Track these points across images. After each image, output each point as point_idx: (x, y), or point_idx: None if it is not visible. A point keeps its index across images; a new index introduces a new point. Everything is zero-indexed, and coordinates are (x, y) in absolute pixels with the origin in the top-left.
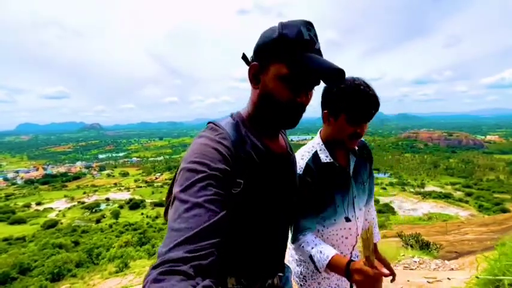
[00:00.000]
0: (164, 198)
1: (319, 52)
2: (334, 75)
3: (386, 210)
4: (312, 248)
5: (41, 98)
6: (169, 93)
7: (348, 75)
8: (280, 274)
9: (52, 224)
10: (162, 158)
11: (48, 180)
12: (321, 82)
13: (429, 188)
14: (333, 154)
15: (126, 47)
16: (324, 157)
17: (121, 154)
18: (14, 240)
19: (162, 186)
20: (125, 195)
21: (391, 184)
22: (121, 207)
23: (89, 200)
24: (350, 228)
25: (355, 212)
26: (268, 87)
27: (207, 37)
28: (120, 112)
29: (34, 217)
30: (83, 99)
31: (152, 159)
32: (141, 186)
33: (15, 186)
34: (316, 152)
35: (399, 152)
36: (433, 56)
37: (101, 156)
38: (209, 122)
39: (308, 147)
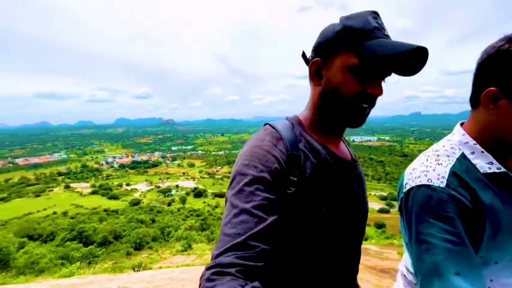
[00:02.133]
0: (224, 190)
1: (389, 38)
2: (413, 56)
3: None
4: None
5: (132, 98)
6: (231, 91)
7: (422, 71)
8: None
9: (136, 202)
10: (222, 152)
11: (134, 166)
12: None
13: None
14: (502, 159)
15: (196, 50)
16: (484, 164)
17: (189, 147)
18: (110, 212)
19: (222, 179)
20: (191, 184)
21: None
22: (187, 194)
23: (163, 185)
24: None
25: None
26: (334, 81)
27: (267, 36)
28: (189, 109)
29: (124, 195)
30: (162, 98)
31: (214, 153)
32: (204, 177)
33: (113, 168)
34: (463, 154)
35: None
36: None
37: (173, 148)
38: (265, 124)
39: (440, 148)
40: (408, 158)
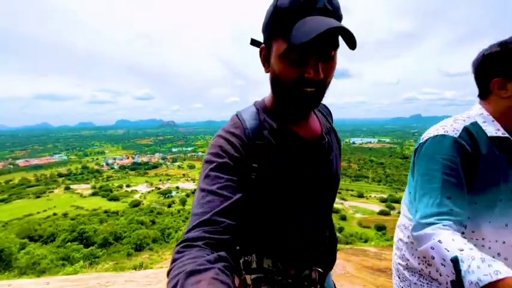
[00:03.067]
0: None
1: (325, 11)
2: (333, 34)
3: None
4: (462, 250)
5: (134, 99)
6: (232, 93)
7: (421, 73)
8: (319, 269)
9: (136, 204)
10: None
11: (135, 167)
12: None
13: None
14: (509, 130)
15: (198, 52)
16: (494, 130)
17: (189, 149)
18: (111, 213)
19: None
20: (191, 186)
21: None
22: (187, 195)
23: (163, 186)
24: None
25: None
26: (275, 70)
27: None
28: (191, 111)
29: (125, 196)
30: (163, 100)
31: None
32: None
33: (113, 170)
34: (476, 122)
35: None
36: None
37: (174, 149)
38: (235, 114)
39: (460, 117)
40: (408, 160)
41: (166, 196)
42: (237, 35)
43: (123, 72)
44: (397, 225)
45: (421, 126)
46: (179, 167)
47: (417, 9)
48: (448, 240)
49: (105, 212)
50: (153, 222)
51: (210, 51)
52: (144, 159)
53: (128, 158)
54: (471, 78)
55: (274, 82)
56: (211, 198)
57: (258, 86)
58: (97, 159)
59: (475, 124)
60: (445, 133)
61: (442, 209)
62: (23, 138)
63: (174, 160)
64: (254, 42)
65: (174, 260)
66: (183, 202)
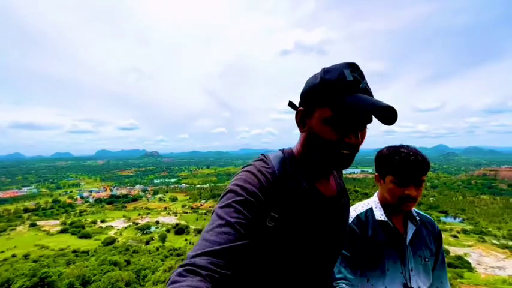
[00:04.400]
0: None
1: (366, 91)
2: (380, 111)
3: (460, 264)
4: None
5: (116, 129)
6: (219, 124)
7: (397, 106)
8: None
9: (110, 242)
10: (207, 185)
11: (112, 200)
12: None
13: None
14: (389, 215)
15: (186, 84)
16: (379, 214)
17: (172, 180)
18: (80, 253)
19: (205, 214)
20: (172, 220)
21: (465, 232)
22: (168, 231)
23: (142, 221)
24: None
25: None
26: (314, 130)
27: (254, 74)
28: (176, 141)
29: (98, 233)
30: (148, 130)
31: (199, 186)
32: (187, 212)
33: (88, 203)
34: (371, 208)
35: (473, 192)
36: (506, 81)
37: (156, 181)
38: (261, 154)
39: (363, 203)
40: None
41: (145, 232)
42: (224, 70)
43: (109, 103)
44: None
45: None
46: (161, 199)
47: (388, 53)
48: None
49: (74, 251)
50: (128, 262)
51: (197, 82)
52: (123, 191)
53: (105, 190)
54: (438, 113)
55: (313, 141)
56: (228, 231)
57: (245, 118)
58: (71, 191)
59: (369, 210)
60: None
61: (339, 275)
62: None
63: (156, 192)
64: (291, 104)
65: (173, 282)
66: (163, 238)
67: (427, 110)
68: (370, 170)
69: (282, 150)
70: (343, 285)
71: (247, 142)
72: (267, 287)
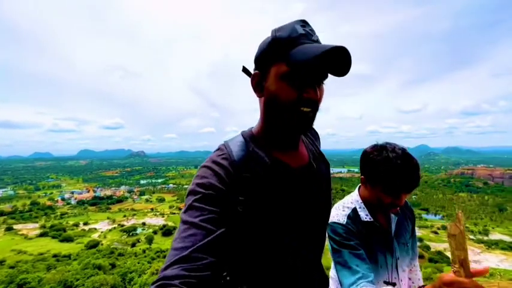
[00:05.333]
0: None
1: (318, 42)
2: (335, 55)
3: (439, 259)
4: None
5: (101, 128)
6: (208, 124)
7: (380, 109)
8: None
9: (94, 245)
10: None
11: (96, 201)
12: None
13: (495, 235)
14: (373, 213)
15: (174, 84)
16: (364, 215)
17: (159, 180)
18: (61, 257)
19: None
20: (159, 221)
21: (445, 228)
22: (155, 232)
23: (128, 223)
24: None
25: (398, 274)
26: (272, 90)
27: (244, 74)
28: (163, 141)
29: (80, 236)
30: (134, 129)
31: (187, 186)
32: (174, 213)
33: (69, 205)
34: (355, 208)
35: (452, 190)
36: (481, 85)
37: (142, 181)
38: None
39: (347, 202)
40: None
41: (130, 234)
42: (213, 70)
43: (93, 102)
44: (330, 277)
45: None
46: (147, 200)
47: (374, 56)
48: None
49: (55, 256)
50: (113, 266)
51: (185, 82)
52: (108, 192)
53: (88, 191)
54: (420, 114)
55: (271, 103)
56: (193, 232)
57: (234, 118)
58: (51, 193)
59: (354, 210)
60: (337, 221)
61: (356, 275)
62: None
63: (142, 193)
64: (245, 70)
65: None
66: (150, 240)
67: (410, 112)
68: (356, 170)
69: (242, 133)
70: (365, 284)
71: None
72: (259, 270)
